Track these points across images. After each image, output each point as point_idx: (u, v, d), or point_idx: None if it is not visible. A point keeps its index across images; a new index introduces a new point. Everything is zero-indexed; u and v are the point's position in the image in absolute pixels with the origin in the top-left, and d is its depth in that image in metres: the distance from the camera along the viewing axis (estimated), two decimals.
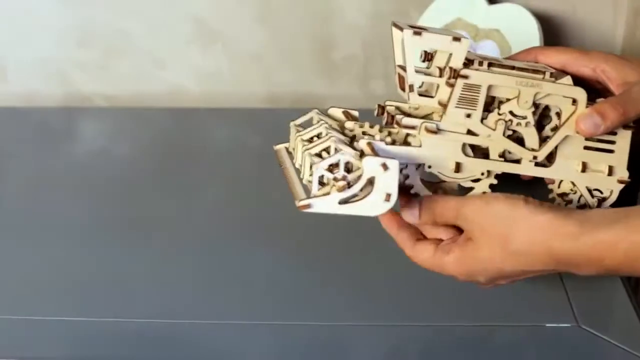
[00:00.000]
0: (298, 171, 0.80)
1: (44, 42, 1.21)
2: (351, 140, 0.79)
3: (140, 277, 0.91)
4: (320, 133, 0.80)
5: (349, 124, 0.81)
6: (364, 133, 0.80)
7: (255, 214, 1.00)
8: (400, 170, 0.78)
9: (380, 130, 0.79)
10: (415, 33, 0.77)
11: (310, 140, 0.80)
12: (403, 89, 0.81)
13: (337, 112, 0.83)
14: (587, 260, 0.73)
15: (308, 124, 0.83)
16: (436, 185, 0.81)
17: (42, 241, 0.96)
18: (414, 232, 0.80)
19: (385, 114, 0.80)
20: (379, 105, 0.82)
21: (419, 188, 0.80)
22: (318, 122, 0.82)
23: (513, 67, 0.79)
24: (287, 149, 0.86)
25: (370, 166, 0.73)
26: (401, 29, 0.78)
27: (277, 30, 1.20)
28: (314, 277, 0.91)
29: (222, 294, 0.88)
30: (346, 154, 0.74)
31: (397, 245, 0.80)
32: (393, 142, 0.78)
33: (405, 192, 0.80)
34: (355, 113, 0.84)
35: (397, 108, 0.81)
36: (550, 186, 0.82)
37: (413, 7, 1.17)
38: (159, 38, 1.20)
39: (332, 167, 0.74)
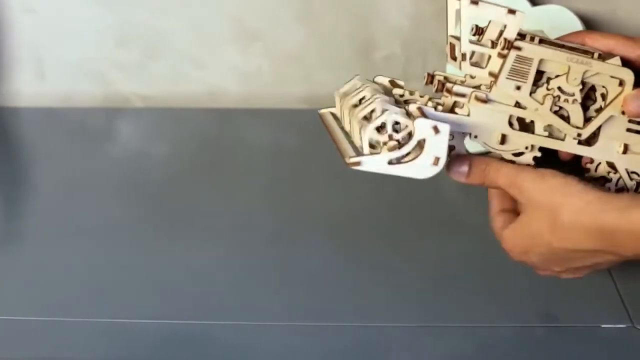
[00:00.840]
0: (347, 134, 0.81)
1: (82, 42, 1.21)
2: (399, 105, 0.80)
3: (178, 278, 0.90)
4: (365, 96, 0.80)
5: (397, 90, 0.83)
6: (412, 99, 0.82)
7: (293, 214, 1.00)
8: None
9: (429, 98, 0.81)
10: (472, 2, 0.77)
11: (357, 105, 0.80)
12: (454, 59, 0.81)
13: (384, 80, 0.85)
14: (636, 236, 0.72)
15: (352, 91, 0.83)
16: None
17: (79, 242, 0.95)
18: (506, 202, 0.81)
19: (436, 82, 0.81)
20: (428, 74, 0.83)
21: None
22: (362, 86, 0.83)
23: (563, 46, 0.80)
24: (332, 114, 0.87)
25: (421, 128, 0.74)
26: None
27: (317, 29, 1.19)
28: (353, 277, 0.90)
29: (260, 294, 0.88)
30: (392, 114, 0.74)
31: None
32: (442, 106, 0.79)
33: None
34: (401, 82, 0.85)
35: (446, 78, 0.82)
36: (588, 166, 0.82)
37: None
38: (198, 38, 1.20)
39: (380, 129, 0.75)
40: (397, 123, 0.75)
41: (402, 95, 0.83)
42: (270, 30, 1.19)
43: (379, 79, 0.85)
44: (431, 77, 0.83)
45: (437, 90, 0.81)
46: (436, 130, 0.74)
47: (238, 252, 0.93)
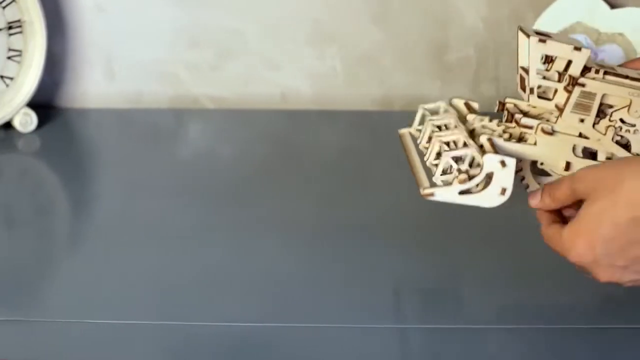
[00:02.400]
0: (421, 154, 0.86)
1: (154, 43, 1.20)
2: (471, 132, 0.85)
3: (246, 279, 0.89)
4: (450, 123, 0.86)
5: (470, 117, 0.87)
6: (483, 127, 0.86)
7: (365, 215, 0.98)
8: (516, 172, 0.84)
9: (498, 125, 0.85)
10: (541, 40, 0.82)
11: (440, 128, 0.86)
12: (523, 89, 0.85)
13: (459, 103, 0.90)
14: None
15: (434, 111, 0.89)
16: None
17: (147, 244, 0.94)
18: (555, 216, 0.82)
19: (505, 112, 0.86)
20: (499, 102, 0.87)
21: (530, 181, 0.85)
22: (446, 111, 0.88)
23: (627, 77, 0.83)
24: (410, 133, 0.91)
25: (490, 162, 0.79)
26: (527, 35, 0.83)
27: (393, 32, 1.19)
28: (429, 277, 0.89)
29: (328, 295, 0.86)
30: (473, 150, 0.80)
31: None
32: (510, 138, 0.84)
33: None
34: (475, 105, 0.90)
35: (516, 105, 0.86)
36: None
37: (530, 11, 1.16)
38: (273, 39, 1.19)
39: (456, 159, 0.80)
40: (473, 158, 0.81)
41: (472, 123, 0.87)
42: (345, 32, 1.19)
43: (455, 102, 0.91)
44: (502, 105, 0.87)
45: (506, 121, 0.86)
46: (503, 164, 0.79)
47: (308, 253, 0.92)
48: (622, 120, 0.83)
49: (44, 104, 1.16)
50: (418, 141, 0.89)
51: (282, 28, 1.18)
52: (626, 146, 0.84)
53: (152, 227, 0.97)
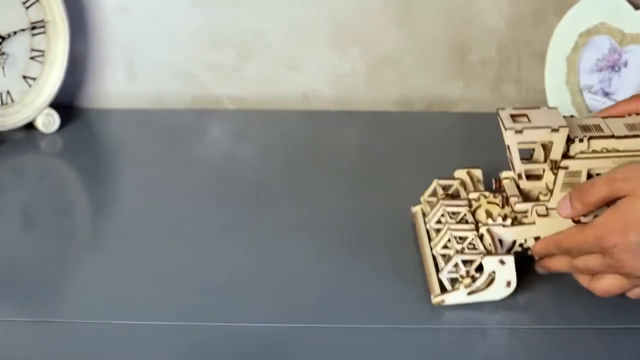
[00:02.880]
0: (428, 234, 0.93)
1: (176, 43, 1.20)
2: (475, 210, 0.91)
3: (266, 279, 0.89)
4: (461, 212, 0.91)
5: (473, 195, 0.93)
6: (485, 205, 0.91)
7: (383, 216, 0.98)
8: (520, 245, 0.89)
9: (498, 205, 0.91)
10: (517, 132, 0.85)
11: (439, 221, 0.92)
12: (513, 169, 0.90)
13: (462, 174, 0.97)
14: None
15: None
16: None
17: (167, 243, 0.94)
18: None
19: (501, 198, 0.91)
20: (495, 180, 0.92)
21: None
22: (440, 201, 0.93)
23: (612, 136, 0.86)
24: (422, 210, 0.97)
25: (490, 264, 0.85)
26: (505, 126, 0.86)
27: (414, 32, 1.18)
28: None
29: (348, 296, 0.87)
30: (459, 256, 0.85)
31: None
32: (510, 217, 0.88)
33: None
34: (478, 173, 0.97)
35: (513, 180, 0.90)
36: None
37: (552, 11, 1.16)
38: (294, 40, 1.19)
39: (465, 261, 0.86)
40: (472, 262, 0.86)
41: (476, 200, 0.92)
42: (367, 33, 1.19)
43: (458, 173, 0.97)
44: (499, 182, 0.92)
45: (502, 206, 0.90)
46: (502, 262, 0.85)
47: (328, 253, 0.92)
48: None
49: (64, 104, 1.16)
50: (427, 218, 0.94)
51: (303, 28, 1.18)
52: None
53: (172, 228, 0.97)
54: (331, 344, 0.81)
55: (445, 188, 0.95)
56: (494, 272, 0.85)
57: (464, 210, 0.91)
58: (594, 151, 0.85)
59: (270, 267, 0.90)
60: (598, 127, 0.87)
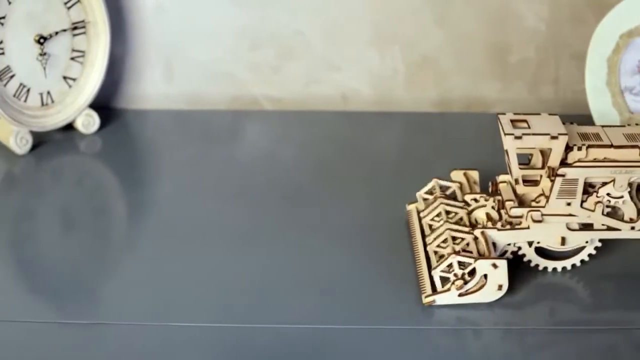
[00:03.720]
0: (422, 229, 0.93)
1: (214, 43, 1.19)
2: (470, 212, 0.92)
3: (304, 281, 0.89)
4: (458, 213, 0.92)
5: (469, 197, 0.93)
6: (480, 208, 0.92)
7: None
8: (515, 251, 0.89)
9: (494, 208, 0.91)
10: (516, 138, 0.86)
11: (434, 219, 0.93)
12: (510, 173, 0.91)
13: (459, 175, 0.97)
14: None
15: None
16: None
17: (205, 245, 0.94)
18: None
19: (497, 202, 0.91)
20: (492, 183, 0.93)
21: (532, 257, 0.90)
22: (438, 198, 0.94)
23: (611, 145, 0.87)
24: (417, 209, 0.97)
25: (482, 267, 0.85)
26: (504, 132, 0.86)
27: (453, 33, 1.18)
28: None
29: (386, 297, 0.87)
30: (456, 257, 0.85)
31: None
32: (505, 221, 0.89)
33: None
34: (475, 175, 0.97)
35: (510, 184, 0.91)
36: None
37: (591, 12, 1.16)
38: (334, 41, 1.19)
39: (449, 266, 0.86)
40: (462, 263, 0.85)
41: (471, 203, 0.93)
42: (406, 33, 1.18)
43: (454, 175, 0.97)
44: (495, 187, 0.92)
45: (498, 210, 0.91)
46: (495, 266, 0.85)
47: (366, 254, 0.92)
48: (609, 195, 0.87)
49: (101, 104, 1.16)
50: (422, 213, 0.95)
51: (343, 29, 1.18)
52: (619, 214, 0.88)
53: (208, 229, 0.97)
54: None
55: (442, 188, 0.95)
56: (486, 275, 0.85)
57: (461, 212, 0.91)
58: (594, 159, 0.86)
59: (309, 268, 0.90)
60: (597, 136, 0.88)
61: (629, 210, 0.87)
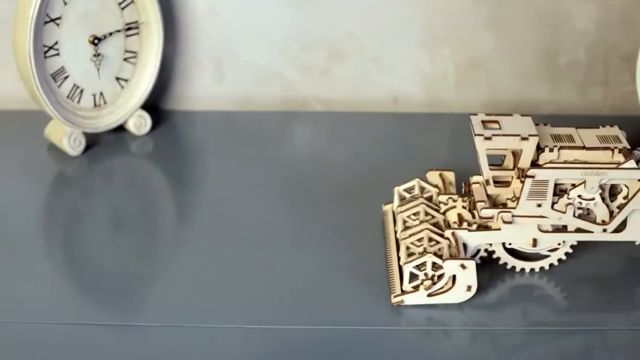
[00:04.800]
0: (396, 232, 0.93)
1: (265, 45, 1.19)
2: (444, 213, 0.92)
3: (348, 283, 0.89)
4: (419, 212, 0.92)
5: (443, 198, 0.93)
6: (453, 208, 0.92)
7: None
8: (486, 250, 0.89)
9: (465, 207, 0.92)
10: (486, 138, 0.87)
11: (410, 217, 0.93)
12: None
13: (435, 176, 0.98)
14: None
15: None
16: None
17: (253, 246, 0.94)
18: None
19: (468, 202, 0.91)
20: (464, 184, 0.94)
21: (505, 258, 0.90)
22: (417, 197, 0.94)
23: (583, 147, 0.87)
24: (393, 209, 0.97)
25: (450, 267, 0.85)
26: (474, 132, 0.87)
27: (504, 35, 1.18)
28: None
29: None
30: (430, 257, 0.85)
31: None
32: (476, 222, 0.89)
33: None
34: (451, 175, 0.97)
35: (483, 185, 0.90)
36: None
37: None
38: (386, 42, 1.18)
39: (419, 265, 0.86)
40: (434, 264, 0.86)
41: (446, 203, 0.93)
42: (458, 35, 1.18)
43: (430, 175, 0.98)
44: (468, 187, 0.93)
45: (470, 210, 0.91)
46: (463, 267, 0.84)
47: None
48: (580, 197, 0.87)
49: (150, 105, 1.15)
50: (399, 208, 0.95)
51: (395, 31, 1.18)
52: (591, 216, 0.88)
53: (258, 230, 0.97)
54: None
55: (422, 190, 0.95)
56: (455, 276, 0.85)
57: (438, 216, 0.92)
58: (565, 161, 0.86)
59: (355, 269, 0.90)
60: (570, 137, 0.88)
61: (601, 213, 0.87)
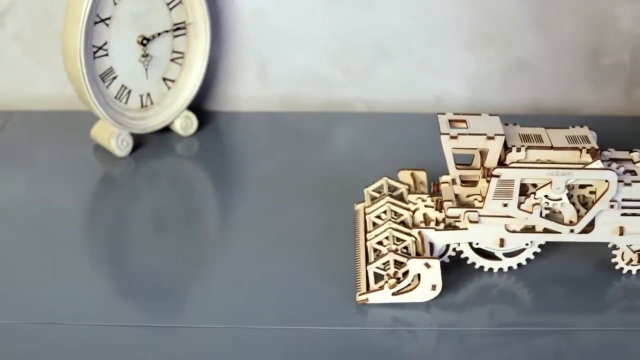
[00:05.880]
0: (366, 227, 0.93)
1: (310, 46, 1.19)
2: (413, 212, 0.92)
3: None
4: (385, 211, 0.92)
5: (412, 197, 0.93)
6: (422, 208, 0.92)
7: None
8: (454, 249, 0.89)
9: (436, 207, 0.91)
10: (452, 137, 0.86)
11: (379, 216, 0.93)
12: None
13: (406, 176, 0.97)
14: None
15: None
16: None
17: (294, 247, 0.94)
18: None
19: (435, 202, 0.91)
20: (434, 183, 0.93)
21: (474, 258, 0.89)
22: (384, 195, 0.94)
23: (551, 147, 0.86)
24: (364, 208, 0.96)
25: (415, 266, 0.85)
26: (440, 131, 0.87)
27: (548, 36, 1.18)
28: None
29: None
30: (393, 255, 0.85)
31: None
32: (444, 222, 0.89)
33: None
34: (422, 175, 0.97)
35: (452, 183, 0.91)
36: None
37: None
38: (430, 43, 1.18)
39: (383, 263, 0.86)
40: (396, 261, 0.86)
41: (415, 203, 0.92)
42: (502, 37, 1.18)
43: (401, 175, 0.97)
44: (437, 186, 0.93)
45: (436, 209, 0.91)
46: (428, 266, 0.84)
47: None
48: (547, 197, 0.86)
49: (193, 106, 1.15)
50: (368, 209, 0.95)
51: (439, 32, 1.18)
52: (559, 216, 0.88)
53: (301, 232, 0.97)
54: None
55: (390, 188, 0.95)
56: (419, 275, 0.84)
57: (406, 214, 0.91)
58: (532, 161, 0.86)
59: None
60: (539, 137, 0.88)
61: (568, 213, 0.87)
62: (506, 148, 0.86)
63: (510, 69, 1.19)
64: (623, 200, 0.86)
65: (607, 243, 0.88)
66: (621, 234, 0.87)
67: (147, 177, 1.08)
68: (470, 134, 0.85)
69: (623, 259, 0.88)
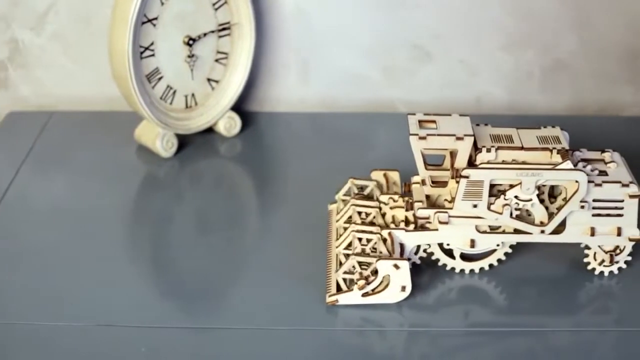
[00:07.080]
0: (337, 231, 0.93)
1: (352, 46, 1.19)
2: (384, 213, 0.92)
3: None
4: (371, 213, 0.92)
5: (384, 198, 0.93)
6: (391, 208, 0.92)
7: None
8: (424, 250, 0.89)
9: (406, 207, 0.92)
10: (421, 138, 0.86)
11: (360, 214, 0.92)
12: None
13: (379, 175, 0.97)
14: None
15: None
16: None
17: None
18: None
19: (405, 203, 0.92)
20: (405, 183, 0.94)
21: (445, 259, 0.89)
22: (350, 200, 0.93)
23: (522, 147, 0.86)
24: (337, 209, 0.97)
25: (384, 267, 0.84)
26: (409, 132, 0.87)
27: (588, 37, 1.18)
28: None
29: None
30: (355, 258, 0.85)
31: None
32: (414, 222, 0.89)
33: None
34: (395, 175, 0.97)
35: (422, 183, 0.91)
36: None
37: None
38: (470, 44, 1.19)
39: (362, 263, 0.86)
40: (362, 263, 0.86)
41: (386, 204, 0.92)
42: (542, 37, 1.18)
43: (374, 175, 0.97)
44: (408, 187, 0.93)
45: (407, 210, 0.91)
46: (397, 267, 0.84)
47: None
48: (517, 197, 0.86)
49: (235, 106, 1.14)
50: (338, 216, 0.94)
51: (479, 33, 1.18)
52: (529, 217, 0.88)
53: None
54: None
55: (361, 188, 0.95)
56: (389, 276, 0.84)
57: (373, 212, 0.91)
58: (503, 162, 0.86)
59: None
60: (509, 138, 0.88)
61: (539, 214, 0.87)
62: (476, 148, 0.85)
63: (549, 69, 1.20)
64: (594, 200, 0.85)
65: (580, 243, 0.88)
66: (592, 234, 0.87)
67: (191, 178, 1.08)
68: (439, 135, 0.85)
69: (595, 260, 0.88)
